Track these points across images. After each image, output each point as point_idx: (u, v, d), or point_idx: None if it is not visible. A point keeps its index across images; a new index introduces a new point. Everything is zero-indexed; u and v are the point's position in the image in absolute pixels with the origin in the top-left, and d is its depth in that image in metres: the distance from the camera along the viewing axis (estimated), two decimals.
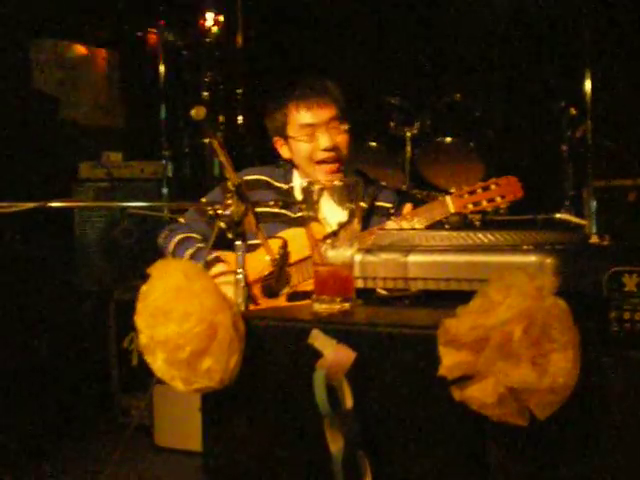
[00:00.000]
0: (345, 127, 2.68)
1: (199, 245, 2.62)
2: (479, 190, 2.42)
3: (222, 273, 2.46)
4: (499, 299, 1.17)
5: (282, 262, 2.06)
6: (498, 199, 2.41)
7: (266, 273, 2.42)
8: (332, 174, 2.64)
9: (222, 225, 1.76)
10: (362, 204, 2.69)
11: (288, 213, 2.62)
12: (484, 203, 2.40)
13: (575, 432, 1.21)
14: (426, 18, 5.15)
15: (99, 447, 3.83)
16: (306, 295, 2.32)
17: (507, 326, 1.15)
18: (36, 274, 4.34)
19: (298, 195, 2.68)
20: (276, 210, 2.60)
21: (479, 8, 5.14)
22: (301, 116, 2.66)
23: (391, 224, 2.46)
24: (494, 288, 1.19)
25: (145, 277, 1.46)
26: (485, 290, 1.20)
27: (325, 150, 2.63)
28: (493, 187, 2.42)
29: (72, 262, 4.66)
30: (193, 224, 2.69)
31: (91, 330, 4.39)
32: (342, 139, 2.68)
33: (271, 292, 2.44)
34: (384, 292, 1.65)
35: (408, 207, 2.51)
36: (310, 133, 2.65)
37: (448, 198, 2.43)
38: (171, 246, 2.67)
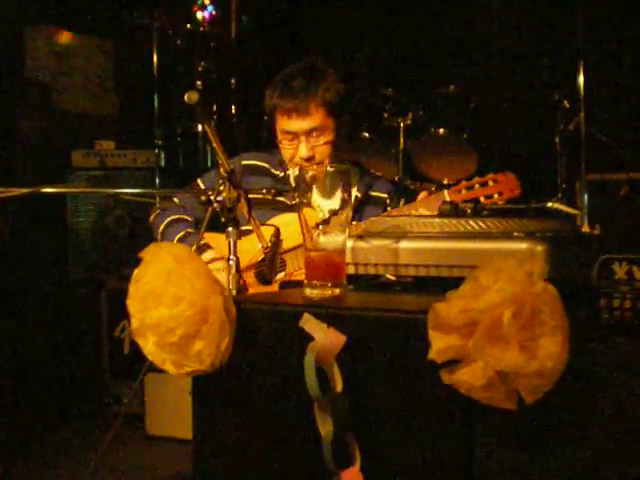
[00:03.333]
0: (327, 138, 2.61)
1: (189, 230, 2.62)
2: (477, 186, 2.42)
3: (212, 260, 2.46)
4: (489, 283, 1.18)
5: (274, 250, 2.05)
6: (495, 196, 2.41)
7: (259, 259, 2.42)
8: None
9: (216, 207, 1.76)
10: (356, 194, 2.69)
11: (285, 200, 2.62)
12: (481, 200, 2.40)
13: (562, 417, 1.22)
14: (420, 9, 5.14)
15: (90, 435, 3.84)
16: (299, 284, 2.32)
17: (497, 310, 1.15)
18: (27, 262, 4.33)
19: (293, 183, 2.68)
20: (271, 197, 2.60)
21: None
22: (282, 121, 2.61)
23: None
24: (484, 273, 1.20)
25: (138, 264, 1.46)
26: (475, 275, 1.20)
27: (302, 159, 2.61)
28: (491, 183, 2.42)
29: (64, 251, 4.65)
30: (187, 205, 2.68)
31: (83, 318, 4.39)
32: (323, 149, 2.61)
33: (264, 279, 2.44)
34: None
35: (423, 195, 2.51)
36: (290, 139, 2.62)
37: (446, 192, 2.43)
38: (162, 227, 2.68)
